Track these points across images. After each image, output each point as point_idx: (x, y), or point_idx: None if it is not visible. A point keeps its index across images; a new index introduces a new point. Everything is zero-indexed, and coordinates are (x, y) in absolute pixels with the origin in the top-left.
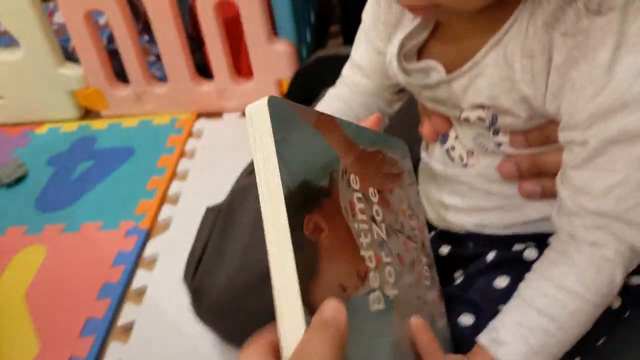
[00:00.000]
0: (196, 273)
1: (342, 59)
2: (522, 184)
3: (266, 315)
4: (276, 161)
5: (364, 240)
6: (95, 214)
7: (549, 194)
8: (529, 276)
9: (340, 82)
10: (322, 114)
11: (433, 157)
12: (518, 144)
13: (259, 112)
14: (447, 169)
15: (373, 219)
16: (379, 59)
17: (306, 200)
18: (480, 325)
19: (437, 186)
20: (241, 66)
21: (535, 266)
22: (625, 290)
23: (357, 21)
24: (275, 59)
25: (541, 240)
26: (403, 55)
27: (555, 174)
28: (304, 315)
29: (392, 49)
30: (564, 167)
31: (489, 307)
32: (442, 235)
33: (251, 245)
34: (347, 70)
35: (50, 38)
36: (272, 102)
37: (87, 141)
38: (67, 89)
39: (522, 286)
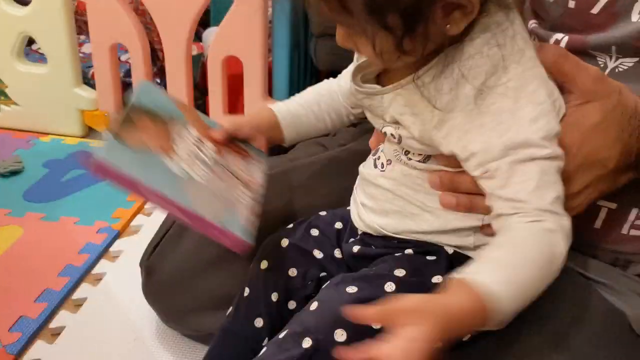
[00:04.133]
0: (152, 254)
1: None
2: (441, 195)
3: (208, 301)
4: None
5: (178, 144)
6: (74, 211)
7: (462, 207)
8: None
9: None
10: (186, 105)
11: (365, 165)
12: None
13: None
14: (371, 172)
15: (198, 147)
16: None
17: (142, 115)
18: (362, 290)
19: (362, 189)
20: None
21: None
22: None
23: None
24: None
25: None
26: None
27: (468, 192)
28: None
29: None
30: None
31: (375, 278)
32: (359, 239)
33: (203, 239)
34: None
35: (75, 61)
36: (143, 82)
37: (83, 154)
38: (77, 108)
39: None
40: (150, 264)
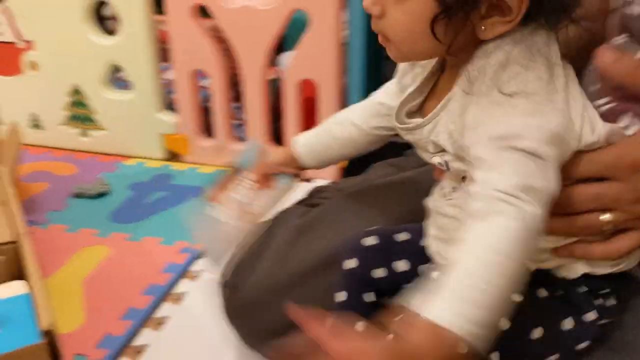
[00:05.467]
0: (232, 274)
1: (396, 145)
2: None
3: (290, 321)
4: None
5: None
6: (157, 232)
7: None
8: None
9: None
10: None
11: (430, 198)
12: None
13: None
14: (436, 203)
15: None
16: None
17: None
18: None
19: (433, 222)
20: None
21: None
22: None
23: None
24: None
25: None
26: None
27: None
28: None
29: (398, 102)
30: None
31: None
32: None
33: (285, 255)
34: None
35: (158, 88)
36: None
37: (165, 177)
38: (159, 132)
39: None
40: (232, 281)
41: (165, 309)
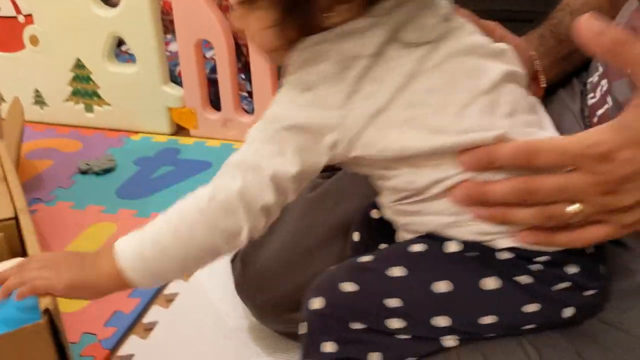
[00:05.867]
0: (245, 246)
1: None
2: (473, 210)
3: (299, 295)
4: None
5: None
6: (164, 207)
7: (496, 219)
8: None
9: None
10: None
11: None
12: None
13: None
14: None
15: None
16: None
17: None
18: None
19: None
20: None
21: None
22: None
23: None
24: None
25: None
26: None
27: (498, 204)
28: None
29: None
30: None
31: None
32: None
33: (298, 229)
34: None
35: (162, 60)
36: None
37: (172, 151)
38: (165, 106)
39: None
40: (245, 255)
41: (174, 285)
